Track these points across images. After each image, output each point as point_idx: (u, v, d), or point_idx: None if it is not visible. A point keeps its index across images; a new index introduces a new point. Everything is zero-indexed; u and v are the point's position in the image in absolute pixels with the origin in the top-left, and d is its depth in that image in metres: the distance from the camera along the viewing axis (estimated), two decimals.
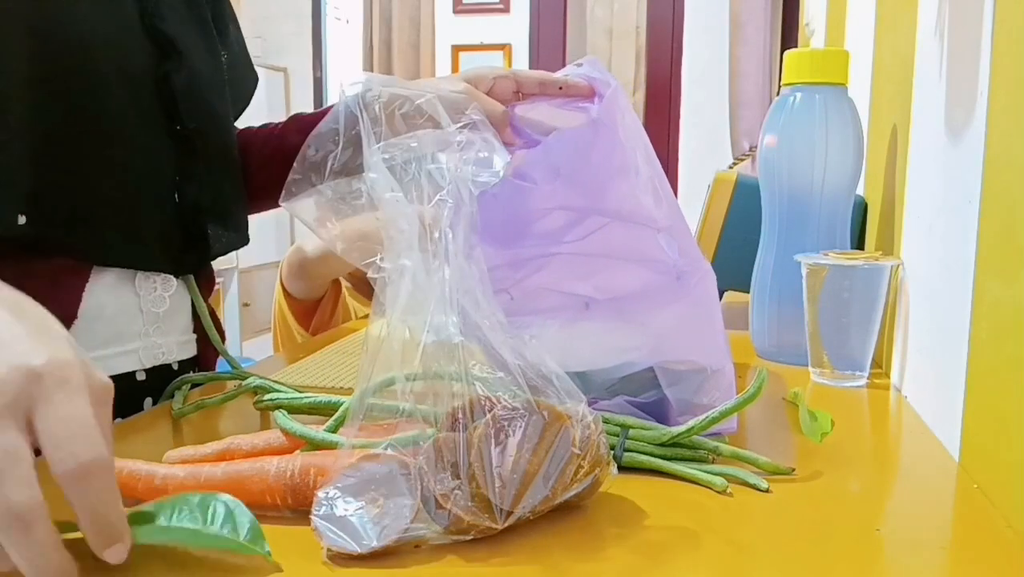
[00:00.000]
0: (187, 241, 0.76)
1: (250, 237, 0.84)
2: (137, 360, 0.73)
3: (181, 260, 0.76)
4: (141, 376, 0.74)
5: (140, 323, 0.73)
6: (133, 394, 0.73)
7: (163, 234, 0.73)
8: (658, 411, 0.59)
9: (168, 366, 0.76)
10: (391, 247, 0.46)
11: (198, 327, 0.80)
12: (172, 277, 0.75)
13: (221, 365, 0.81)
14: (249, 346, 3.51)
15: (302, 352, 0.93)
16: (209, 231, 0.77)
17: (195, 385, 0.74)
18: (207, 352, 0.81)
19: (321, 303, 1.33)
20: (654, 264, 0.60)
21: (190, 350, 0.79)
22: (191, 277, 0.78)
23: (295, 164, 0.54)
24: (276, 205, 0.93)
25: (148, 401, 0.74)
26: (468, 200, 0.48)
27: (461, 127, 0.51)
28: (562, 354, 0.56)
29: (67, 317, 0.67)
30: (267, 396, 0.62)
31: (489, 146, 0.50)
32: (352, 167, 0.58)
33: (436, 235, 0.46)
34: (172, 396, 0.71)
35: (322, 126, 0.60)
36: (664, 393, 0.59)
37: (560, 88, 0.72)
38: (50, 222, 0.65)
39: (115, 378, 0.70)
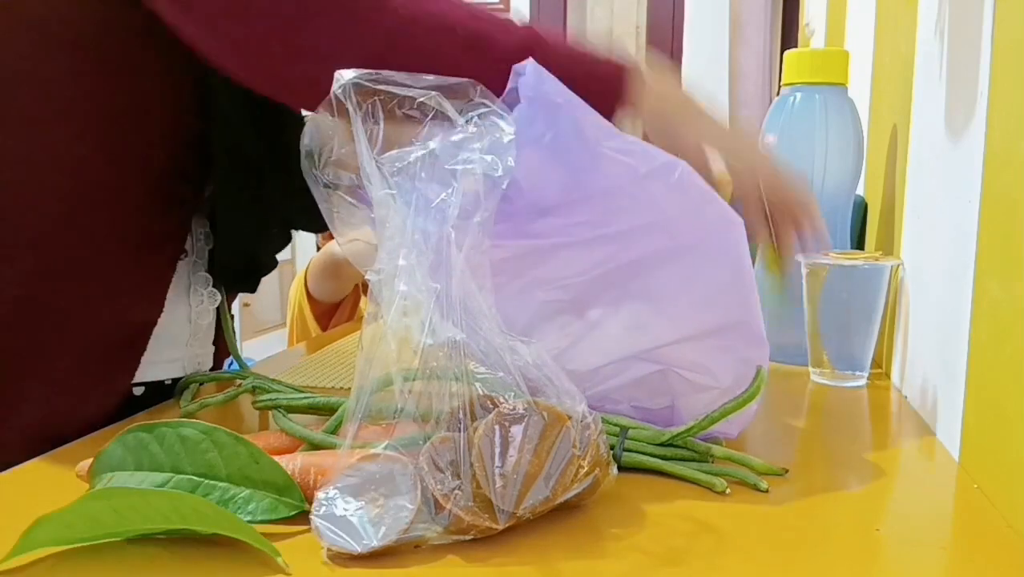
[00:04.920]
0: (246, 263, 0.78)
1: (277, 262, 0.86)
2: (181, 368, 0.75)
3: (238, 280, 0.79)
4: (168, 380, 0.75)
5: (188, 333, 0.75)
6: (161, 398, 0.74)
7: (238, 253, 0.76)
8: (664, 419, 0.58)
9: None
10: (386, 247, 0.46)
11: (217, 337, 0.81)
12: (217, 291, 0.77)
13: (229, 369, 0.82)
14: (249, 346, 3.51)
15: (310, 348, 0.93)
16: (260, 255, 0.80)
17: (200, 384, 0.75)
18: (219, 359, 0.83)
19: (341, 304, 1.33)
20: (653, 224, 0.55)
21: (212, 359, 0.81)
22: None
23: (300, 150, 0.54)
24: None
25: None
26: (482, 195, 0.47)
27: (469, 119, 0.50)
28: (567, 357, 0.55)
29: (153, 315, 0.69)
30: (266, 396, 0.62)
31: (496, 127, 0.49)
32: (346, 160, 0.58)
33: (437, 236, 0.46)
34: (180, 394, 0.72)
35: (316, 115, 0.60)
36: (673, 402, 0.58)
37: None
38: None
39: (147, 384, 0.72)
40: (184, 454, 0.45)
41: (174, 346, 0.74)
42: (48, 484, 0.52)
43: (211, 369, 0.81)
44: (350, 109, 0.51)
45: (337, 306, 1.34)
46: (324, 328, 1.32)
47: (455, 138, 0.50)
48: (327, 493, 0.42)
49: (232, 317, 0.83)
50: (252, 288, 0.82)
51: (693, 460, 0.54)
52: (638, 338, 0.57)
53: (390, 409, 0.44)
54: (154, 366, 0.71)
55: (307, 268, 1.32)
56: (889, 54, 0.91)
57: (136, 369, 0.69)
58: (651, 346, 0.57)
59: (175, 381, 0.75)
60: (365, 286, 1.35)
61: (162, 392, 0.74)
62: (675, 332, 0.56)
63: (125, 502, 0.41)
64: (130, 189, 0.66)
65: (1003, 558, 0.42)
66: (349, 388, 0.59)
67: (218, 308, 0.78)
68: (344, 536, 0.41)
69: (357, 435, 0.44)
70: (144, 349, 0.69)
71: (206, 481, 0.45)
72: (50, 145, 0.62)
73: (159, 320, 0.70)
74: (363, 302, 1.37)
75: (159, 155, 0.67)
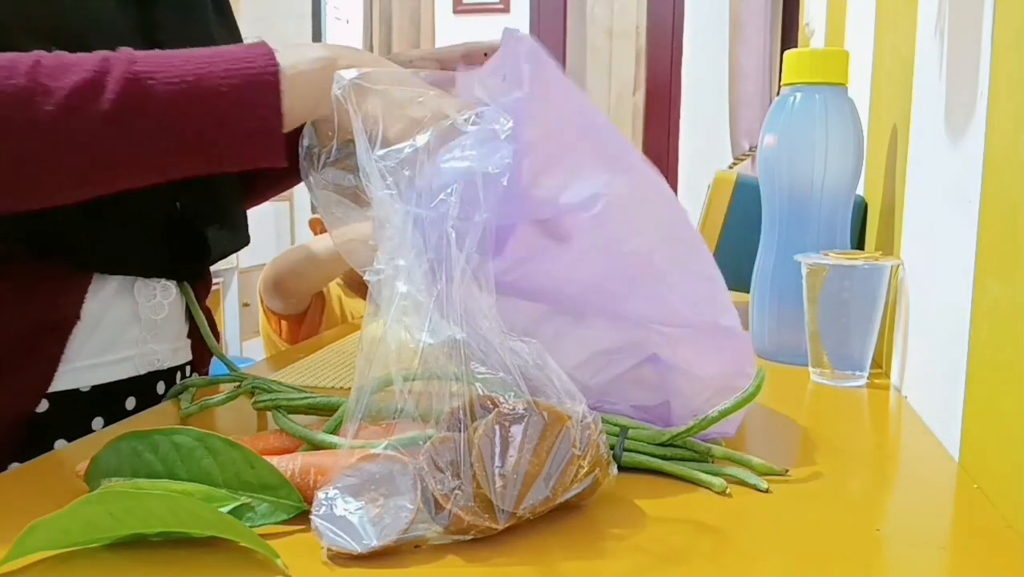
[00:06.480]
0: (187, 247, 0.75)
1: (250, 237, 0.83)
2: (132, 367, 0.72)
3: (183, 267, 0.75)
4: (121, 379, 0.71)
5: (137, 330, 0.72)
6: (116, 393, 0.71)
7: (162, 240, 0.72)
8: (662, 418, 0.58)
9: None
10: (385, 247, 0.46)
11: (193, 331, 0.79)
12: (171, 284, 0.75)
13: (216, 366, 0.81)
14: (249, 346, 3.51)
15: (302, 352, 0.93)
16: (209, 235, 0.76)
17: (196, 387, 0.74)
18: (203, 356, 0.81)
19: (306, 316, 1.32)
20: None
21: (184, 355, 0.78)
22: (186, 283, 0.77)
23: (299, 151, 0.54)
24: (268, 197, 0.92)
25: (131, 400, 0.72)
26: (482, 195, 0.47)
27: (468, 118, 0.50)
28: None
29: (69, 318, 0.67)
30: (266, 396, 0.62)
31: (495, 124, 0.49)
32: (346, 161, 0.58)
33: (437, 236, 0.46)
34: (176, 397, 0.71)
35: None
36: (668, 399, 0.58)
37: (486, 54, 0.68)
38: (55, 225, 0.65)
39: (98, 386, 0.69)
40: (179, 461, 0.45)
41: (120, 346, 0.70)
42: (46, 485, 0.52)
43: (191, 364, 0.79)
44: (350, 109, 0.51)
45: (303, 318, 1.32)
46: (293, 341, 1.29)
47: (454, 137, 0.50)
48: (327, 493, 0.42)
49: (216, 312, 0.82)
50: (203, 274, 0.78)
51: (693, 460, 0.54)
52: (619, 331, 0.57)
53: (390, 409, 0.44)
54: (95, 369, 0.69)
55: (259, 284, 1.31)
56: (889, 54, 0.91)
57: (51, 376, 0.65)
58: (633, 338, 0.57)
59: (130, 380, 0.72)
60: (323, 299, 1.34)
61: (117, 384, 0.71)
62: (658, 322, 0.57)
63: (121, 506, 0.41)
64: None
65: (1003, 558, 0.42)
66: (349, 388, 0.59)
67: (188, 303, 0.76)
68: (344, 536, 0.41)
69: (357, 435, 0.44)
70: (59, 355, 0.66)
71: (203, 488, 0.45)
72: None
73: (99, 323, 0.68)
74: (327, 312, 1.34)
75: None
